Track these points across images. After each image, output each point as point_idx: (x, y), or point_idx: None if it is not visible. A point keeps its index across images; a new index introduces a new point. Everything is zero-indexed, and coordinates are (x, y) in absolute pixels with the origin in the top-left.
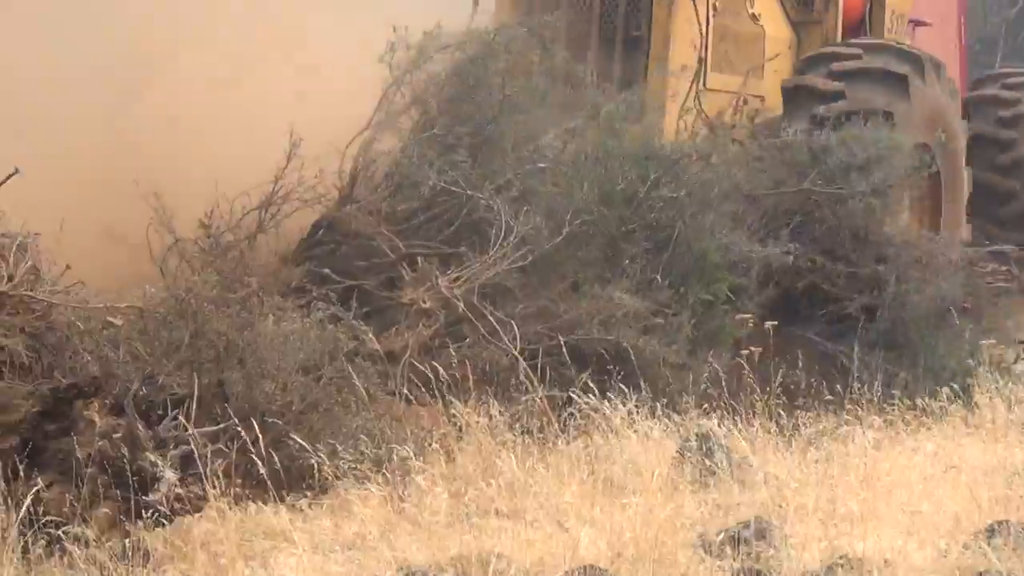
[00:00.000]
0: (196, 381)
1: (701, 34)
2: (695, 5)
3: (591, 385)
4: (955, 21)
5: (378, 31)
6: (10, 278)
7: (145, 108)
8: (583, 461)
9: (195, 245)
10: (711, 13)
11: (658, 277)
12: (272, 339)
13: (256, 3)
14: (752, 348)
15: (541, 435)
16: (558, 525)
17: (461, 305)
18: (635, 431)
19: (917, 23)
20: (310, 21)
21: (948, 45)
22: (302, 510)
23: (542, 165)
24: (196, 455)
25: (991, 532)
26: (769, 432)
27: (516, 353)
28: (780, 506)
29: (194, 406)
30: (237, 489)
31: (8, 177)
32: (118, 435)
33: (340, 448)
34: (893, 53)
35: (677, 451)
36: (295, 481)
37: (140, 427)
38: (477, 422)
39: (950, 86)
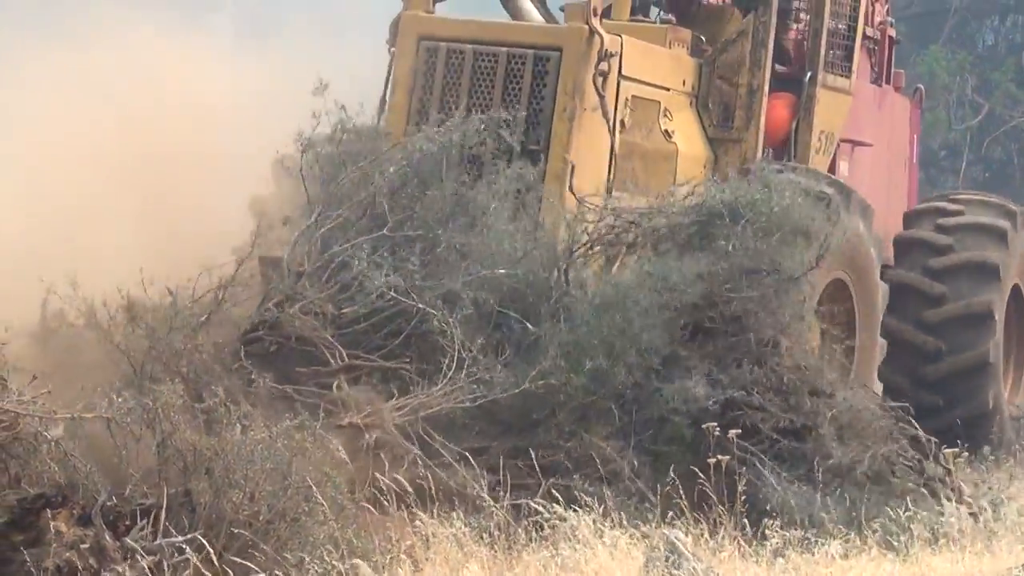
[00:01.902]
0: (164, 491)
1: (609, 151)
2: (606, 119)
3: (555, 494)
4: (905, 140)
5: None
6: None
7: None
8: (551, 571)
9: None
10: (618, 129)
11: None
12: (239, 448)
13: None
14: (720, 457)
15: (507, 545)
16: None
17: (413, 446)
18: (602, 541)
19: (855, 143)
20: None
21: (895, 166)
22: None
23: (502, 271)
24: (163, 566)
25: None
26: (736, 541)
27: (481, 488)
28: None
29: (162, 516)
30: None
31: None
32: (85, 545)
33: (307, 558)
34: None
35: (644, 561)
36: None
37: (108, 538)
38: (442, 532)
39: (867, 217)
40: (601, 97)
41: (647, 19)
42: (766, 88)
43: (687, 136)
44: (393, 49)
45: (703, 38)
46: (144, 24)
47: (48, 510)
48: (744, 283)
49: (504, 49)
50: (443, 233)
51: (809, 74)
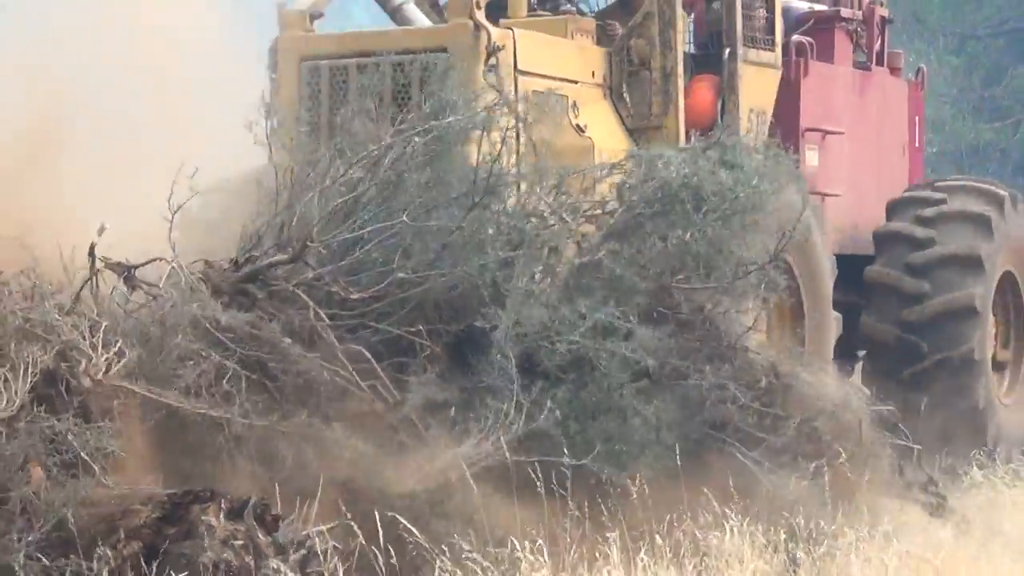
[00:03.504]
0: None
1: (514, 152)
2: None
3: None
4: (902, 124)
5: None
6: None
7: None
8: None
9: None
10: (518, 127)
11: None
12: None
13: None
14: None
15: None
16: None
17: None
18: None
19: (826, 132)
20: None
21: (888, 152)
22: None
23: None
24: (318, 554)
25: None
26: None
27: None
28: None
29: (315, 505)
30: None
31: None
32: (239, 542)
33: (459, 542)
34: None
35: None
36: None
37: (260, 534)
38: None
39: (810, 202)
40: (499, 92)
41: (545, 13)
42: (680, 69)
43: (603, 128)
44: (274, 75)
45: (615, 24)
46: None
47: (198, 504)
48: (703, 272)
49: (389, 58)
50: (465, 227)
51: (728, 50)
